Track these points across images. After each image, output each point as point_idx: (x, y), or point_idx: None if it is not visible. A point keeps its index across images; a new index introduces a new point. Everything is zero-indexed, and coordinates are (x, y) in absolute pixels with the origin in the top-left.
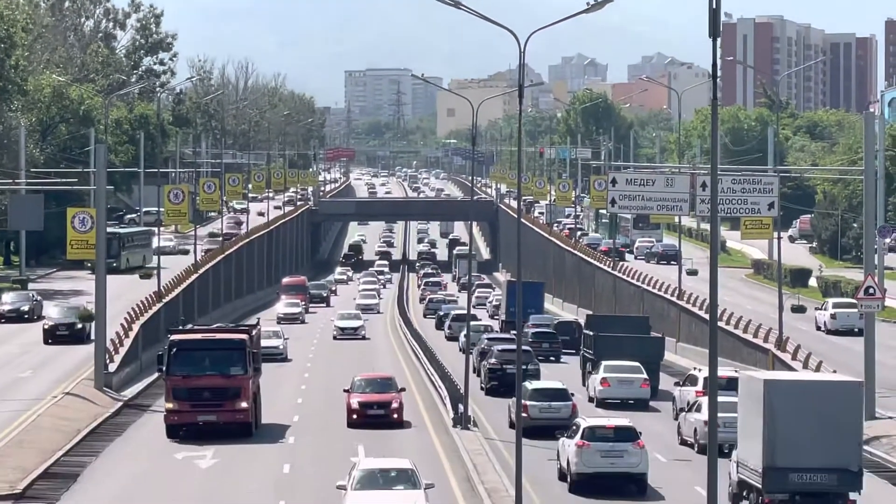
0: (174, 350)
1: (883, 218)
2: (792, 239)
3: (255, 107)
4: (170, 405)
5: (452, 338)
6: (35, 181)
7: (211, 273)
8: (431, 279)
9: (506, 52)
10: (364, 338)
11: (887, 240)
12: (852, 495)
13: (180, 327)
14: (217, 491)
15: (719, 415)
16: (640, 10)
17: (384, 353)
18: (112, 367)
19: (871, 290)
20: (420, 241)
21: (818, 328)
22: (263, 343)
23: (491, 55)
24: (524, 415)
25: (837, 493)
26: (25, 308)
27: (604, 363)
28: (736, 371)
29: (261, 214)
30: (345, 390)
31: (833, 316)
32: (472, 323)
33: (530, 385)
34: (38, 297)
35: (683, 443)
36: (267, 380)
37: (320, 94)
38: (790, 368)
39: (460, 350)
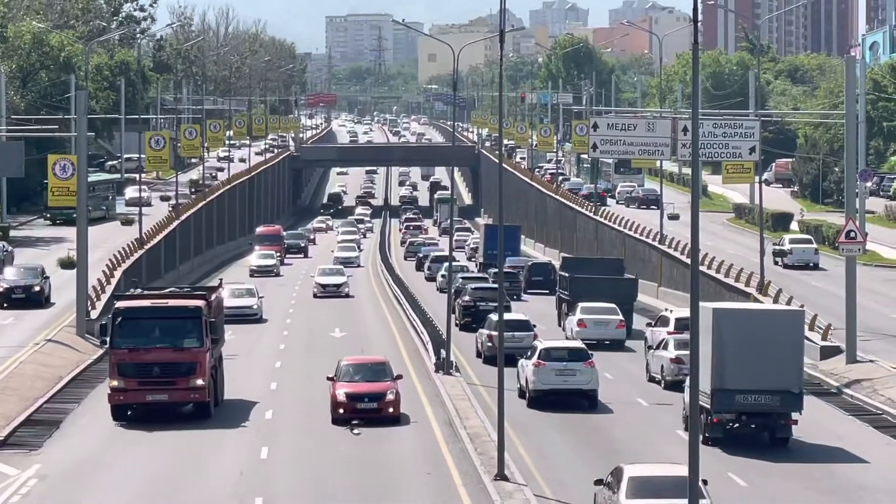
0: (119, 319)
1: (864, 162)
2: (768, 182)
3: (235, 53)
4: (115, 383)
5: (431, 278)
6: (16, 128)
7: (192, 220)
8: (413, 223)
9: None
10: (348, 295)
11: (868, 184)
12: (794, 415)
13: (129, 291)
14: (198, 434)
15: (684, 352)
16: None
17: (370, 311)
18: (94, 314)
19: (852, 234)
20: (402, 183)
21: (775, 263)
22: (235, 302)
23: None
24: (489, 343)
25: (780, 413)
26: None
27: (580, 305)
28: None
29: (242, 161)
30: (329, 378)
31: (790, 251)
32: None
33: (495, 316)
34: (9, 248)
35: (651, 379)
36: (240, 345)
37: (301, 41)
38: None
39: (438, 290)
